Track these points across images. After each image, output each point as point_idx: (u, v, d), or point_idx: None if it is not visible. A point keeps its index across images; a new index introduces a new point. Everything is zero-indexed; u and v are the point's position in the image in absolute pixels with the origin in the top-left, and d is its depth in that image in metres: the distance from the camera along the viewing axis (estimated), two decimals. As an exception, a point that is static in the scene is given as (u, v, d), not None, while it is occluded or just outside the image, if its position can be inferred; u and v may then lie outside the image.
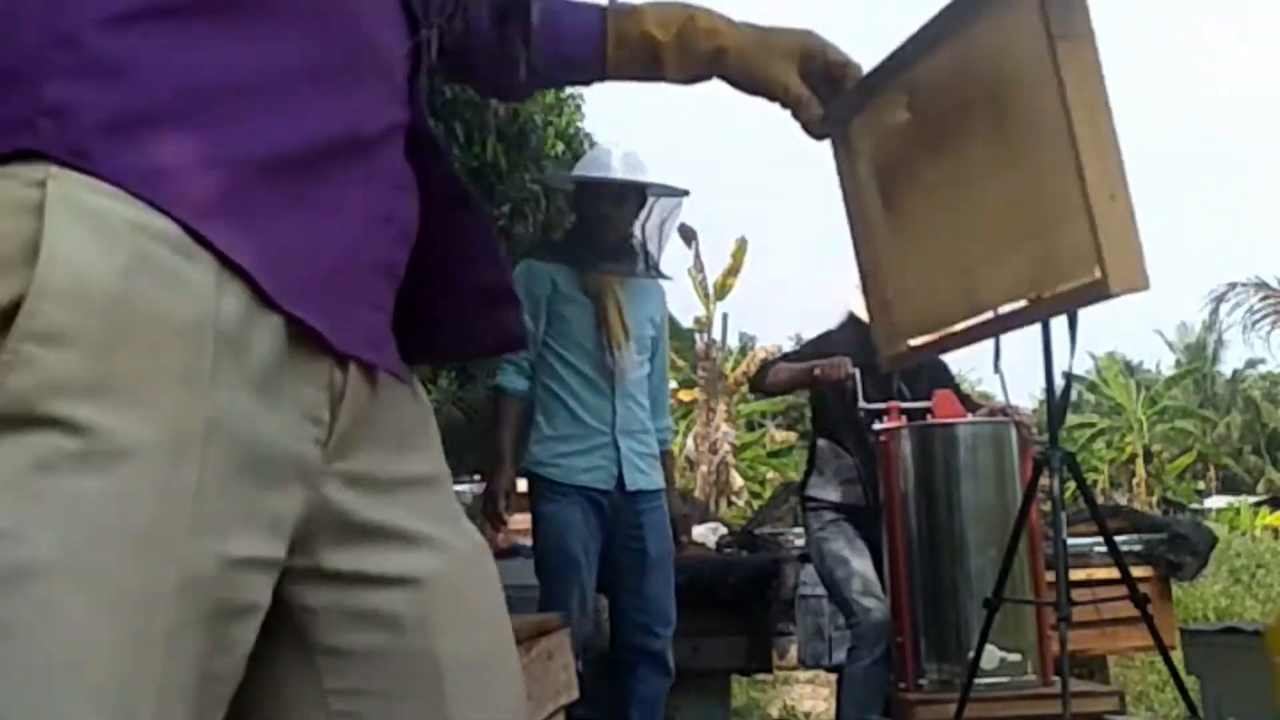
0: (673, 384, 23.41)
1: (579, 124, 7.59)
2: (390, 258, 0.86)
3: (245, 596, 0.74)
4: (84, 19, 0.72)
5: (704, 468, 19.37)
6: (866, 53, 1.11)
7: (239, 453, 0.72)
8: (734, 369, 20.61)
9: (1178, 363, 39.47)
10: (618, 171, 3.56)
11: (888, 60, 1.09)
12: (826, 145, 1.18)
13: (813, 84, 1.12)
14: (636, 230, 3.62)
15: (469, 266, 0.93)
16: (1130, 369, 38.90)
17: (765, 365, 4.34)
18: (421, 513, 0.87)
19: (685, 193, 3.62)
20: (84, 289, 0.67)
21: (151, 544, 0.68)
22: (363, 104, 0.83)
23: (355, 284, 0.81)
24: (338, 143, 0.80)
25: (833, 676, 5.17)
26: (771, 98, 1.12)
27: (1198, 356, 38.22)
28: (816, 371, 4.02)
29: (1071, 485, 3.53)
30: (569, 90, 7.07)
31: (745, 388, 21.95)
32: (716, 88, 1.14)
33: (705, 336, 19.97)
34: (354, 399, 0.82)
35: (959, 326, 1.11)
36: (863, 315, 4.13)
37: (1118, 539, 3.75)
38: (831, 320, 4.38)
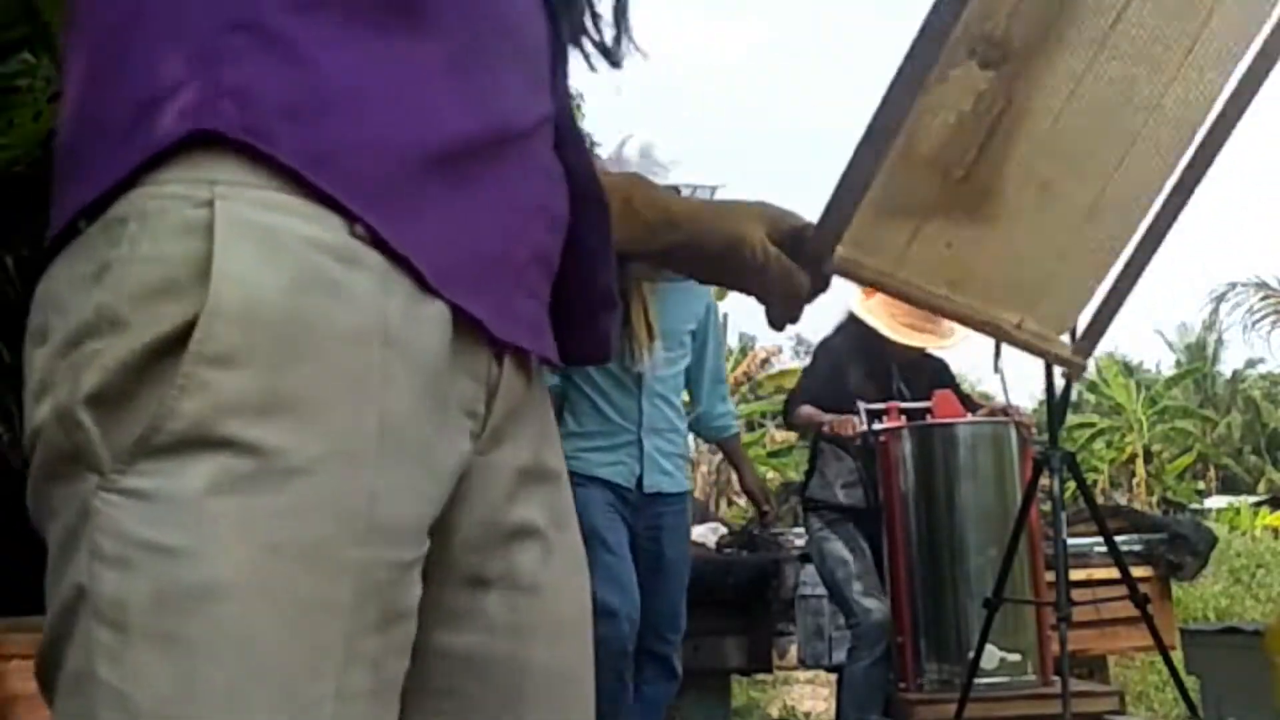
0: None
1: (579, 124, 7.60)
2: (546, 247, 0.85)
3: (412, 597, 0.74)
4: (261, 4, 0.73)
5: (704, 468, 19.37)
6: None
7: (408, 454, 0.73)
8: (734, 369, 20.61)
9: (1178, 363, 39.48)
10: (635, 169, 3.54)
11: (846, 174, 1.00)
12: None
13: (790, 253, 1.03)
14: None
15: (596, 266, 0.92)
16: (1130, 369, 38.91)
17: (791, 401, 4.42)
18: (546, 511, 0.87)
19: (715, 187, 3.58)
20: (255, 309, 0.68)
21: (327, 558, 0.69)
22: (518, 95, 0.83)
23: (514, 273, 0.82)
24: (497, 133, 0.80)
25: (833, 676, 5.17)
26: (740, 258, 1.02)
27: (1198, 356, 38.22)
28: (825, 428, 4.11)
29: (1071, 485, 3.53)
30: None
31: (745, 388, 21.97)
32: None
33: (705, 336, 19.95)
34: (507, 392, 0.82)
35: (912, 282, 1.05)
36: (861, 314, 4.14)
37: (1118, 539, 3.75)
38: (830, 321, 4.39)
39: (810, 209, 1.06)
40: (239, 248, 0.68)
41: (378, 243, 0.72)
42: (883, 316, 4.10)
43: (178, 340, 0.67)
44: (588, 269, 0.91)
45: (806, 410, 4.27)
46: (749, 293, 1.08)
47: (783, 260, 1.02)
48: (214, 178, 0.70)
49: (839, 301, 4.34)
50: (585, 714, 0.90)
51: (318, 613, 0.68)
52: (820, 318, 5.04)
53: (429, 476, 0.75)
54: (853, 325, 4.19)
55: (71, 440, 0.69)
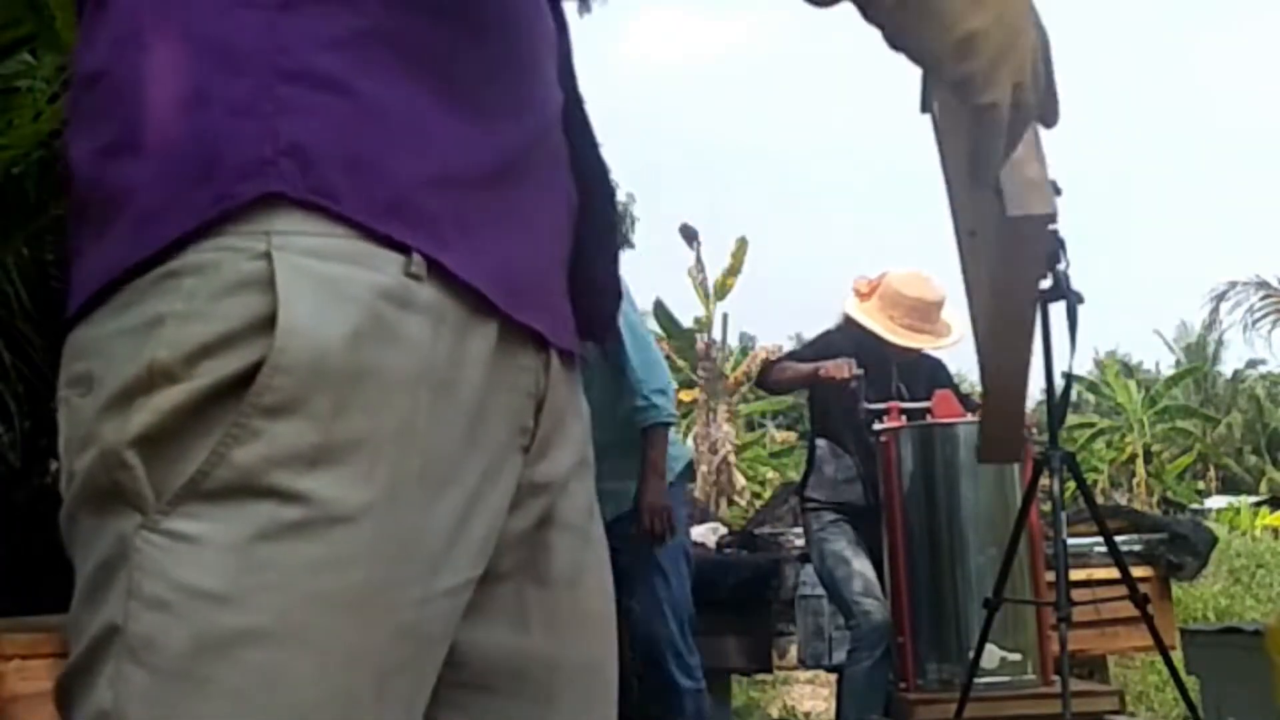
0: (673, 384, 23.49)
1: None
2: (568, 239, 0.86)
3: (449, 623, 0.75)
4: (306, 46, 0.72)
5: (704, 468, 19.37)
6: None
7: (454, 489, 0.73)
8: (734, 369, 20.60)
9: (1177, 363, 39.46)
10: None
11: None
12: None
13: None
14: None
15: (600, 250, 0.91)
16: (1130, 369, 38.91)
17: (769, 363, 4.36)
18: (583, 504, 0.88)
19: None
20: (320, 362, 0.68)
21: (367, 605, 0.69)
22: (540, 96, 0.83)
23: (556, 275, 0.82)
24: (531, 142, 0.81)
25: (833, 676, 5.17)
26: None
27: (1198, 356, 38.20)
28: (821, 371, 4.02)
29: (1071, 485, 3.53)
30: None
31: (745, 388, 21.97)
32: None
33: (705, 336, 19.97)
34: (553, 401, 0.83)
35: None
36: (857, 318, 4.14)
37: (1118, 539, 3.75)
38: (829, 321, 4.38)
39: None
40: (302, 300, 0.68)
41: (433, 274, 0.72)
42: (880, 319, 4.10)
43: (233, 387, 0.67)
44: (592, 251, 0.90)
45: (790, 365, 4.22)
46: None
47: None
48: (268, 228, 0.69)
49: (837, 303, 4.34)
50: (609, 705, 0.90)
51: (353, 659, 0.69)
52: (820, 321, 5.04)
53: (474, 506, 0.75)
54: (850, 327, 4.19)
55: (112, 478, 0.68)
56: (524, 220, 0.79)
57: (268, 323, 0.67)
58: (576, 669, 0.87)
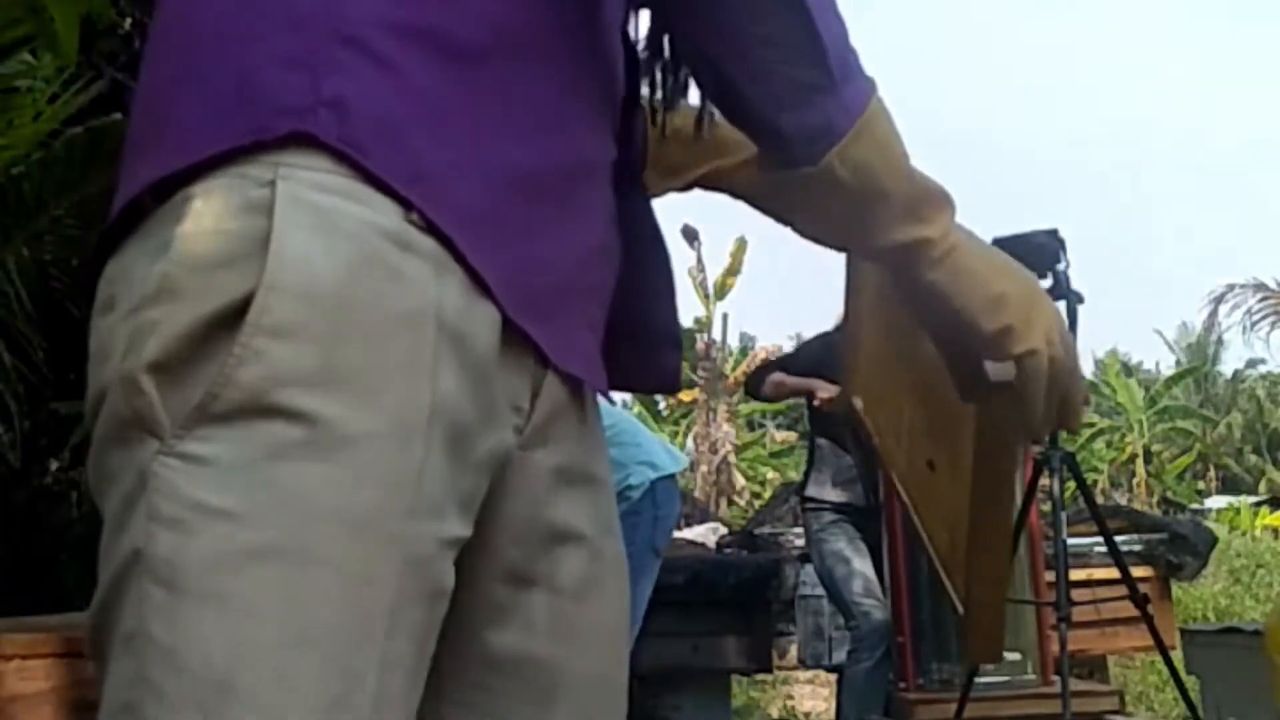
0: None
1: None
2: (604, 284, 0.87)
3: (449, 577, 0.76)
4: (367, 21, 0.75)
5: (704, 468, 19.37)
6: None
7: (454, 438, 0.74)
8: (734, 369, 20.61)
9: (1177, 362, 39.48)
10: None
11: None
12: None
13: None
14: None
15: (651, 306, 0.95)
16: (1130, 369, 38.92)
17: (762, 369, 4.35)
18: (590, 515, 0.88)
19: None
20: (311, 285, 0.70)
21: (375, 528, 0.70)
22: (596, 137, 0.86)
23: (575, 304, 0.83)
24: (573, 169, 0.82)
25: (833, 676, 5.17)
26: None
27: (1198, 356, 38.21)
28: (817, 403, 4.05)
29: (1071, 485, 3.53)
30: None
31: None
32: None
33: (705, 336, 19.98)
34: (551, 393, 0.83)
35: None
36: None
37: (1118, 539, 3.75)
38: (829, 322, 4.38)
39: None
40: (298, 228, 0.71)
41: (431, 230, 0.74)
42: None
43: (236, 312, 0.69)
44: (653, 304, 0.94)
45: (786, 378, 4.22)
46: None
47: None
48: (278, 160, 0.72)
49: (837, 303, 4.33)
50: (620, 713, 0.91)
51: (365, 581, 0.70)
52: (821, 321, 5.04)
53: (469, 460, 0.76)
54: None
55: (132, 406, 0.71)
56: (545, 241, 0.80)
57: (265, 246, 0.70)
58: (582, 679, 0.87)
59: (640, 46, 0.96)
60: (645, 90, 0.98)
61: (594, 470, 0.90)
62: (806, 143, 0.86)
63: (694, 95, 1.01)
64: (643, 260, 0.93)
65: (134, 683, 0.68)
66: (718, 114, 0.95)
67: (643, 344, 0.94)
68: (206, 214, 0.72)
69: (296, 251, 0.70)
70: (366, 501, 0.70)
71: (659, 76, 0.98)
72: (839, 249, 1.03)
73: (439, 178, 0.75)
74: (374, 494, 0.70)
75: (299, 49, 0.74)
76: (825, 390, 4.00)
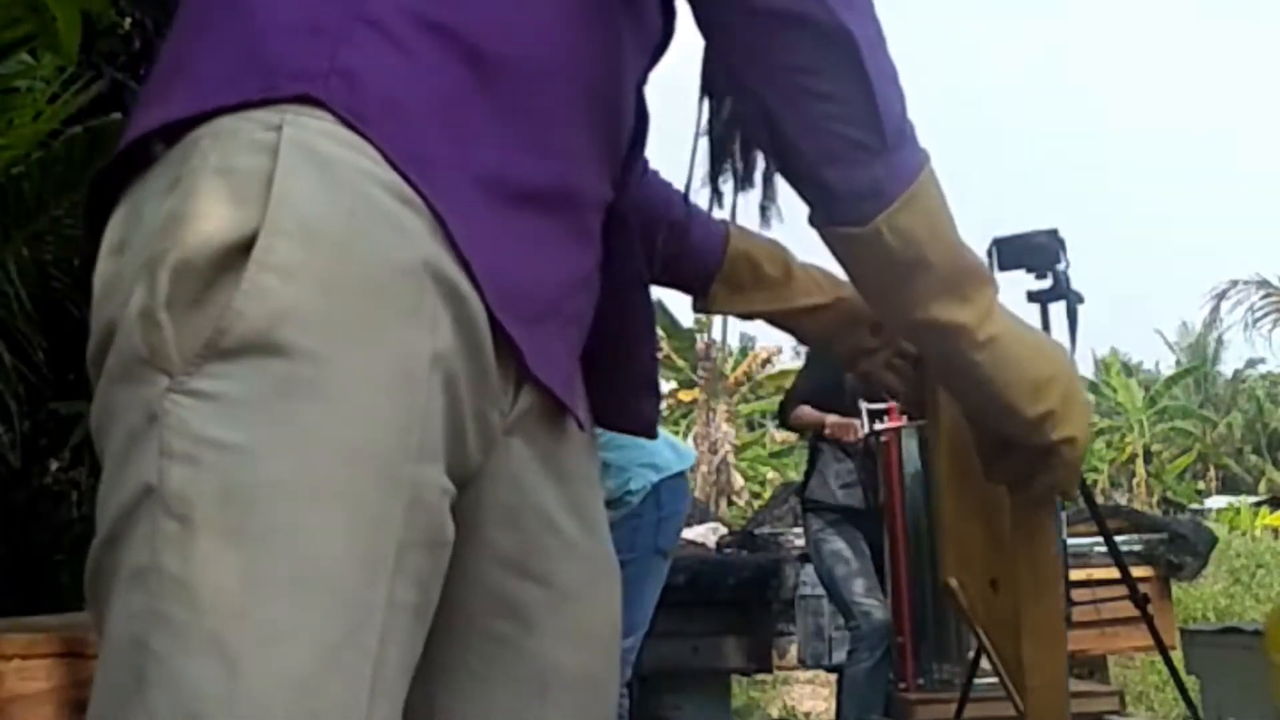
0: (673, 384, 23.56)
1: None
2: (583, 314, 0.87)
3: (450, 529, 0.76)
4: (392, 7, 0.77)
5: (704, 468, 19.39)
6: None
7: (452, 394, 0.75)
8: (734, 369, 20.63)
9: (1177, 362, 39.48)
10: None
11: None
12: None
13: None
14: None
15: (629, 351, 0.96)
16: (1130, 369, 38.91)
17: (787, 401, 4.42)
18: (573, 513, 0.89)
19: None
20: (313, 228, 0.72)
21: (382, 467, 0.71)
22: (595, 174, 0.87)
23: (556, 322, 0.83)
24: (568, 197, 0.83)
25: (833, 676, 5.18)
26: (844, 361, 1.16)
27: (1198, 356, 38.20)
28: (826, 431, 4.15)
29: (1071, 485, 3.52)
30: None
31: (745, 388, 22.00)
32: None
33: (705, 336, 20.00)
34: (528, 399, 0.83)
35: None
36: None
37: (1118, 539, 3.75)
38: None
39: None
40: (300, 172, 0.72)
41: (425, 202, 0.75)
42: None
43: (242, 249, 0.71)
44: (632, 349, 0.95)
45: (804, 410, 4.28)
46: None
47: (886, 380, 1.16)
48: (286, 108, 0.74)
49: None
50: (610, 713, 0.91)
51: (374, 520, 0.71)
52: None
53: (463, 416, 0.77)
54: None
55: (148, 342, 0.72)
56: (531, 249, 0.81)
57: (268, 187, 0.71)
58: (573, 678, 0.87)
59: (703, 125, 0.99)
60: (704, 164, 1.01)
61: (573, 466, 0.90)
62: (853, 200, 0.86)
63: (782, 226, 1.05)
64: (625, 306, 0.94)
65: (143, 616, 0.68)
66: (794, 263, 1.03)
67: (620, 388, 0.96)
68: (213, 153, 0.73)
69: (299, 194, 0.72)
70: (373, 441, 0.71)
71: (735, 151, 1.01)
72: (883, 320, 1.07)
73: (437, 164, 0.76)
74: (380, 434, 0.71)
75: (321, 18, 0.76)
76: (834, 424, 4.13)
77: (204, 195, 0.73)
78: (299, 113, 0.73)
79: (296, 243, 0.71)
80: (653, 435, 0.99)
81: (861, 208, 0.86)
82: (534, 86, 0.81)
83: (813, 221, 0.90)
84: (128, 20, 4.10)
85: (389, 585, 0.71)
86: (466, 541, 0.81)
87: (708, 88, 1.07)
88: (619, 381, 0.95)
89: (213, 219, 0.72)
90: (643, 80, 0.94)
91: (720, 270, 1.14)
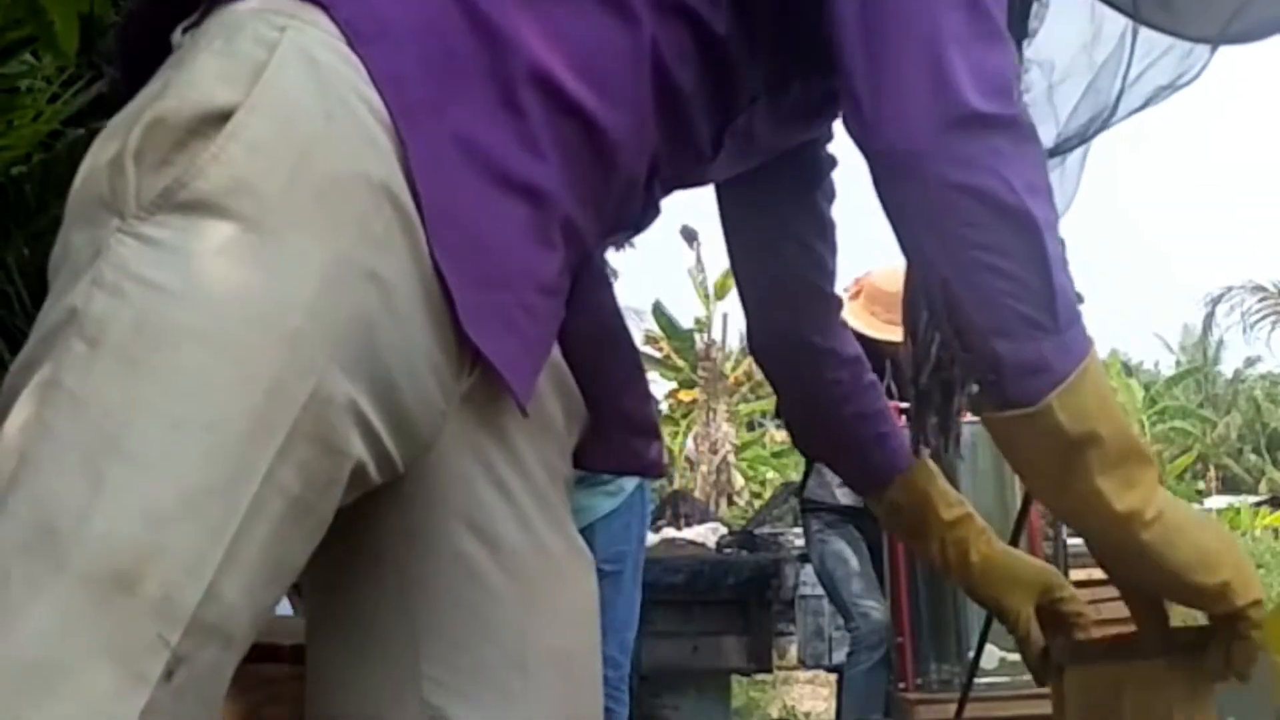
0: (673, 384, 23.54)
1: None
2: (544, 316, 0.86)
3: (351, 446, 0.76)
4: None
5: (704, 468, 19.37)
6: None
7: (384, 314, 0.76)
8: (734, 369, 20.61)
9: (1177, 363, 39.46)
10: None
11: (1115, 641, 1.16)
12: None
13: (1043, 619, 1.18)
14: None
15: (615, 393, 0.98)
16: (1130, 369, 38.88)
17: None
18: (541, 500, 0.89)
19: None
20: (290, 117, 0.75)
21: (298, 347, 0.73)
22: (577, 202, 0.87)
23: (506, 298, 0.83)
24: (541, 198, 0.83)
25: (833, 676, 5.18)
26: (1001, 619, 1.19)
27: (1198, 357, 38.18)
28: None
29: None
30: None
31: (746, 388, 21.97)
32: None
33: (705, 336, 19.99)
34: (483, 377, 0.84)
35: None
36: (855, 325, 4.13)
37: (1117, 539, 3.74)
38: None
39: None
40: (291, 68, 0.76)
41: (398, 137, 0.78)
42: (864, 317, 4.09)
43: (219, 119, 0.74)
44: (616, 395, 0.97)
45: None
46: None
47: (1034, 632, 1.18)
48: (295, 13, 0.78)
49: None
50: (596, 697, 0.92)
51: (271, 390, 0.72)
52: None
53: (395, 347, 0.77)
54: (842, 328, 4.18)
55: (111, 186, 0.75)
56: (489, 215, 0.81)
57: (259, 74, 0.75)
58: (552, 652, 0.88)
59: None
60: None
61: (521, 447, 0.90)
62: (1021, 374, 0.88)
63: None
64: (604, 351, 0.96)
65: (30, 424, 0.71)
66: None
67: (616, 428, 0.97)
68: (217, 39, 0.78)
69: (285, 85, 0.76)
70: (291, 321, 0.73)
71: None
72: (1048, 505, 1.12)
73: (416, 99, 0.78)
74: (299, 319, 0.73)
75: None
76: None
77: (196, 69, 0.77)
78: (303, 19, 0.77)
79: (271, 124, 0.74)
80: (653, 474, 1.02)
81: (1029, 384, 0.88)
82: (552, 103, 0.82)
83: (980, 410, 0.93)
84: (128, 20, 4.09)
85: (272, 460, 0.72)
86: (427, 489, 0.84)
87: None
88: (610, 424, 0.97)
89: (197, 88, 0.76)
90: (651, 173, 0.95)
91: (884, 499, 1.21)
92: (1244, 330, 19.75)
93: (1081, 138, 1.18)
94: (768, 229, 1.19)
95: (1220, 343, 34.59)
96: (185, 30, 0.82)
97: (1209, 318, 20.58)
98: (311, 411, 0.73)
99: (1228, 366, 39.57)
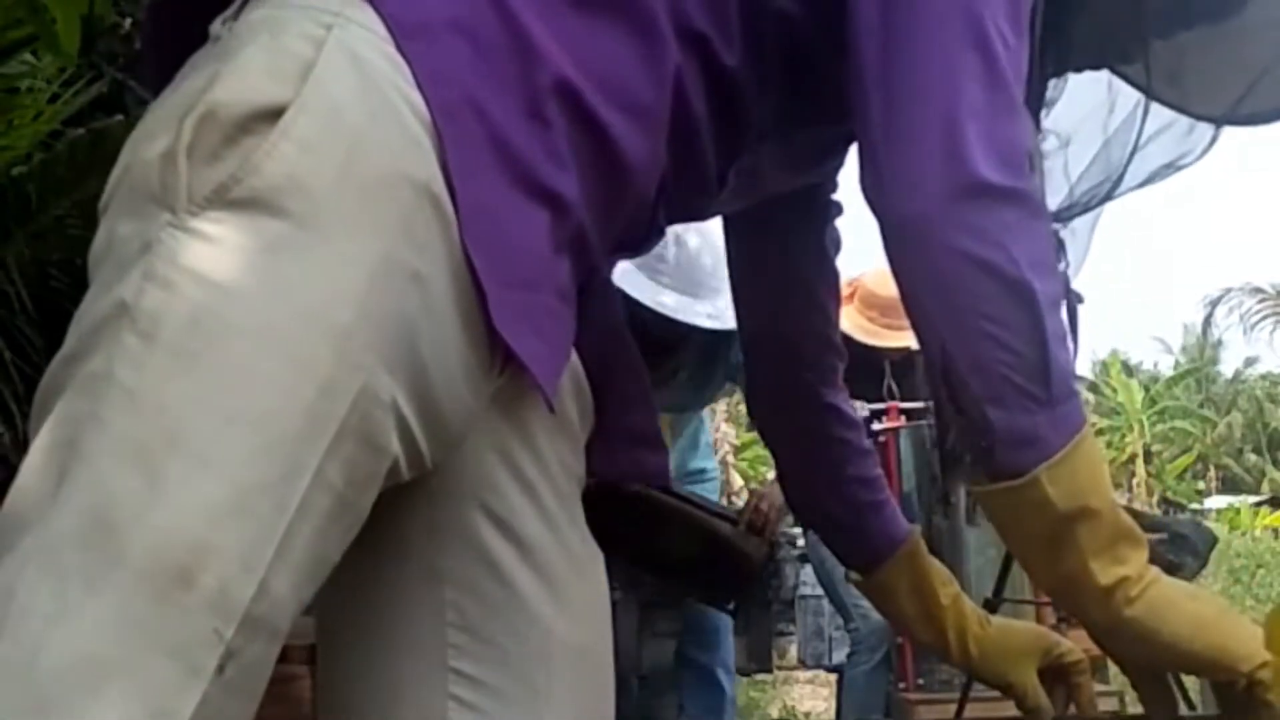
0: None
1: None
2: (566, 319, 0.87)
3: (391, 443, 0.77)
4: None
5: (704, 468, 19.36)
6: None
7: (422, 314, 0.77)
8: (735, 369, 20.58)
9: (1176, 364, 39.46)
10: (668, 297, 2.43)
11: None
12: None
13: (1045, 678, 1.20)
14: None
15: (622, 407, 0.99)
16: (1130, 369, 38.89)
17: None
18: (562, 498, 0.91)
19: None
20: (339, 117, 0.75)
21: (344, 346, 0.73)
22: (604, 233, 0.88)
23: (536, 300, 0.84)
24: (566, 207, 0.84)
25: (833, 676, 5.17)
26: (1009, 695, 1.20)
27: (1198, 358, 38.18)
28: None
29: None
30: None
31: (745, 388, 21.94)
32: None
33: (705, 336, 19.94)
34: (511, 377, 0.84)
35: None
36: (851, 331, 4.13)
37: (1118, 539, 3.73)
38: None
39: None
40: (338, 68, 0.76)
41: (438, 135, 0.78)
42: (859, 321, 4.09)
43: (270, 116, 0.74)
44: (620, 407, 0.98)
45: None
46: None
47: (1044, 701, 1.20)
48: (340, 10, 0.78)
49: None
50: (611, 692, 0.93)
51: (322, 388, 0.73)
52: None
53: (435, 346, 0.78)
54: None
55: (163, 180, 0.75)
56: (520, 219, 0.82)
57: (307, 72, 0.75)
58: (571, 647, 0.89)
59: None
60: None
61: (567, 458, 0.92)
62: (1013, 444, 0.90)
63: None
64: (612, 366, 0.97)
65: (82, 418, 0.70)
66: None
67: (621, 439, 0.98)
68: (264, 33, 0.78)
69: (333, 84, 0.76)
70: (343, 319, 0.73)
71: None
72: (1038, 583, 1.15)
73: (458, 100, 0.78)
74: (349, 316, 0.73)
75: None
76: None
77: (245, 64, 0.77)
78: (348, 16, 0.77)
79: (322, 124, 0.75)
80: (657, 482, 1.03)
81: (1020, 455, 0.90)
82: (574, 116, 0.83)
83: (973, 490, 0.95)
84: (128, 20, 4.10)
85: (321, 458, 0.72)
86: (454, 498, 0.85)
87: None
88: (614, 434, 0.97)
89: (248, 85, 0.76)
90: (679, 207, 0.97)
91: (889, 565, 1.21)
92: (1244, 332, 19.77)
93: (1086, 207, 1.19)
94: (776, 268, 1.20)
95: (1219, 343, 34.57)
96: (224, 21, 0.82)
97: (1208, 319, 20.60)
98: (359, 409, 0.74)
99: (1227, 367, 39.57)
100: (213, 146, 0.74)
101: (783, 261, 1.20)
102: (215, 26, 0.82)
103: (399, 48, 0.78)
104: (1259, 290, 19.56)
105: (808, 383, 1.22)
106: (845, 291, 4.16)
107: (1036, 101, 1.09)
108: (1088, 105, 1.16)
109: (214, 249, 0.73)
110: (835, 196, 1.19)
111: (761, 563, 2.61)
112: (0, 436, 3.60)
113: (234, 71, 0.77)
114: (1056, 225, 1.25)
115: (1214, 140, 1.16)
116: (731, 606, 3.33)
